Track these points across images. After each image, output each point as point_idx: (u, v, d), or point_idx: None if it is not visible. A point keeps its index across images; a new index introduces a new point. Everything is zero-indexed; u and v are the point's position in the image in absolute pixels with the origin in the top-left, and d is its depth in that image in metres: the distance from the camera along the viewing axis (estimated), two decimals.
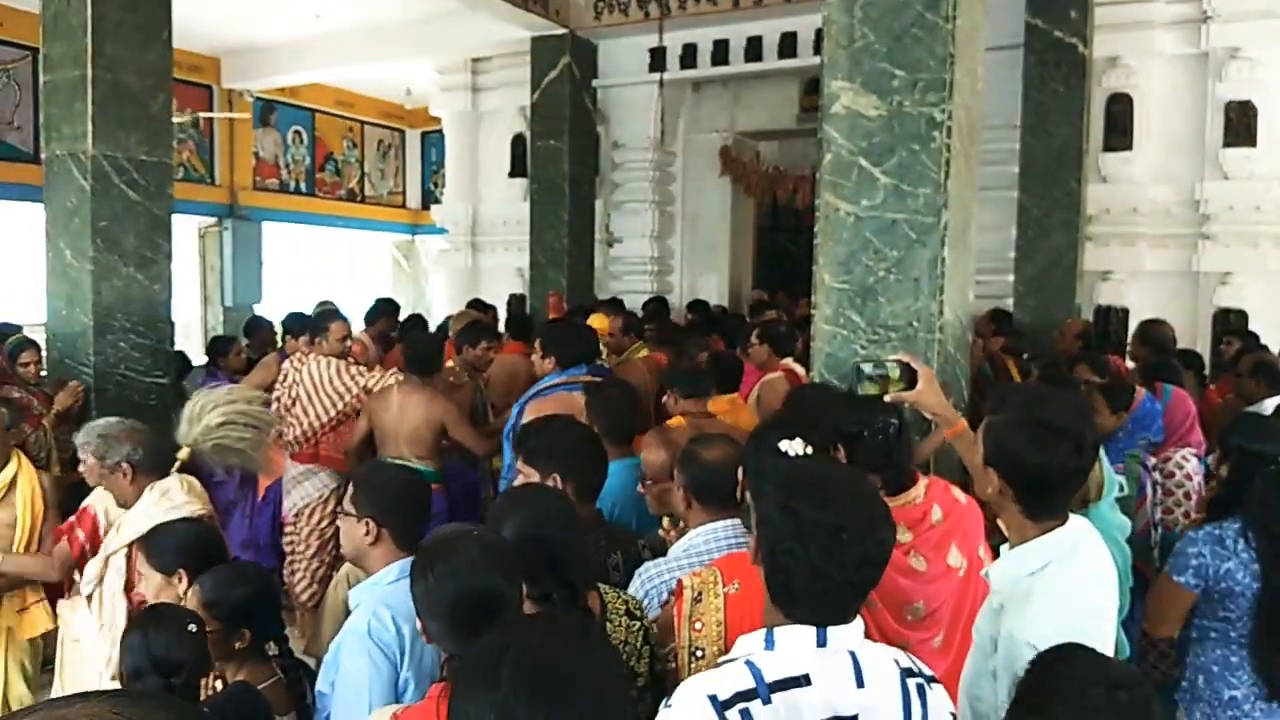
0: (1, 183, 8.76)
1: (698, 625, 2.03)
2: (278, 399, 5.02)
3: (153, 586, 2.66)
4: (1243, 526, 2.71)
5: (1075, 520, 1.99)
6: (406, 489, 2.49)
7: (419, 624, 1.87)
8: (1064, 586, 1.89)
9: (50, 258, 4.96)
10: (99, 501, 3.52)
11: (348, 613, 2.66)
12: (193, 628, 2.23)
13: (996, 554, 2.09)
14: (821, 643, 1.49)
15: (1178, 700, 2.93)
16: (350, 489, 2.44)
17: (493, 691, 1.20)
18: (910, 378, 2.54)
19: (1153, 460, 4.01)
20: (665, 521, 2.78)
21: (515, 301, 9.20)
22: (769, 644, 1.50)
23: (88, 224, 4.77)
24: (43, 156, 5.04)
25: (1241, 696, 2.72)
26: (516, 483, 2.71)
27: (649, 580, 2.39)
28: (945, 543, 2.34)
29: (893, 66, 3.18)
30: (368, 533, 2.37)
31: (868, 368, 2.57)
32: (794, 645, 1.49)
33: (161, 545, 2.70)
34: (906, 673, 1.54)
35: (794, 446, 2.28)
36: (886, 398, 2.52)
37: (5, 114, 8.94)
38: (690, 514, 2.50)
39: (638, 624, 2.16)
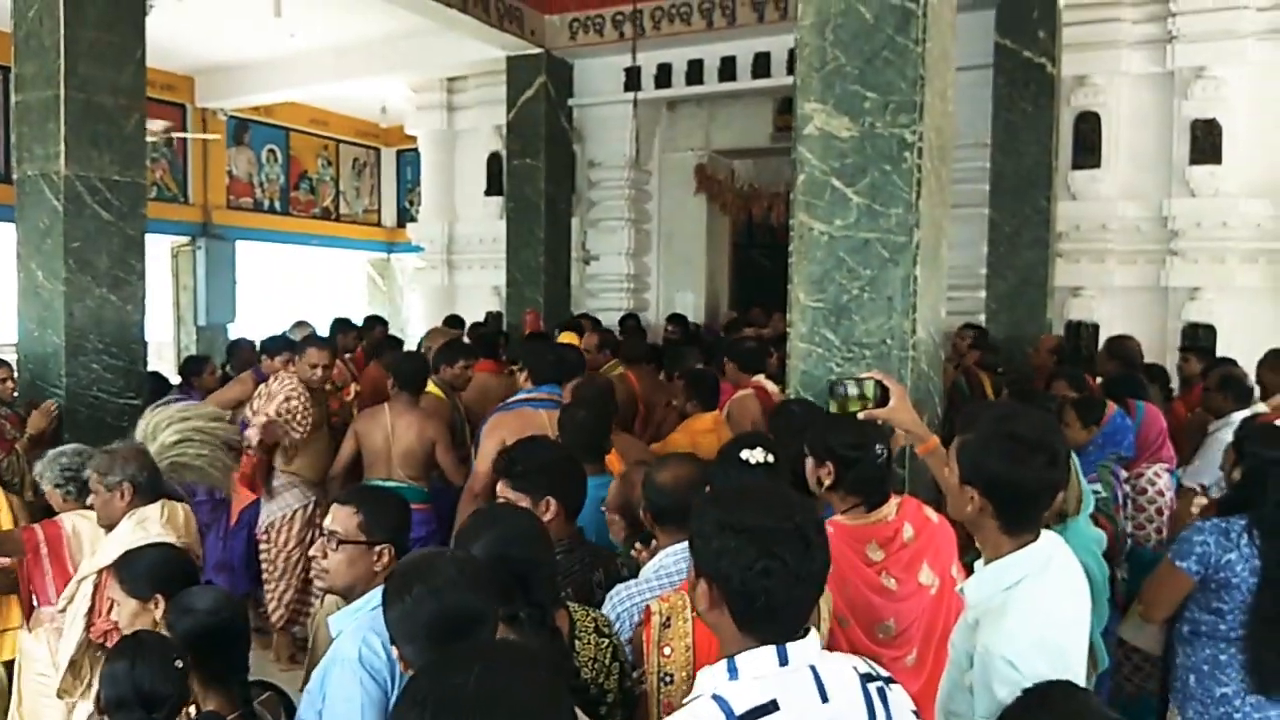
0: None
1: (666, 650, 2.03)
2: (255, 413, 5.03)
3: (126, 613, 2.62)
4: (1249, 524, 2.82)
5: (1047, 535, 2.02)
6: (408, 513, 2.48)
7: (396, 651, 1.82)
8: (1038, 601, 1.90)
9: (21, 279, 4.92)
10: (69, 516, 3.48)
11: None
12: (179, 662, 2.19)
13: (970, 571, 2.11)
14: (784, 661, 1.48)
15: (1170, 699, 3.02)
16: (358, 518, 2.32)
17: None
18: (883, 395, 2.57)
19: (1124, 474, 4.07)
20: (638, 542, 2.78)
21: (492, 319, 9.20)
22: (732, 674, 1.49)
23: (60, 245, 4.73)
24: (14, 177, 5.00)
25: (1232, 693, 2.81)
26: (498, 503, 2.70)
27: (620, 603, 2.39)
28: (916, 561, 2.36)
29: (864, 89, 3.23)
30: (379, 559, 2.31)
31: (842, 387, 2.59)
32: (757, 670, 1.48)
33: (134, 571, 2.65)
34: (866, 678, 1.55)
35: (755, 455, 2.29)
36: (860, 415, 2.54)
37: None
38: (659, 535, 2.51)
39: (606, 641, 2.15)
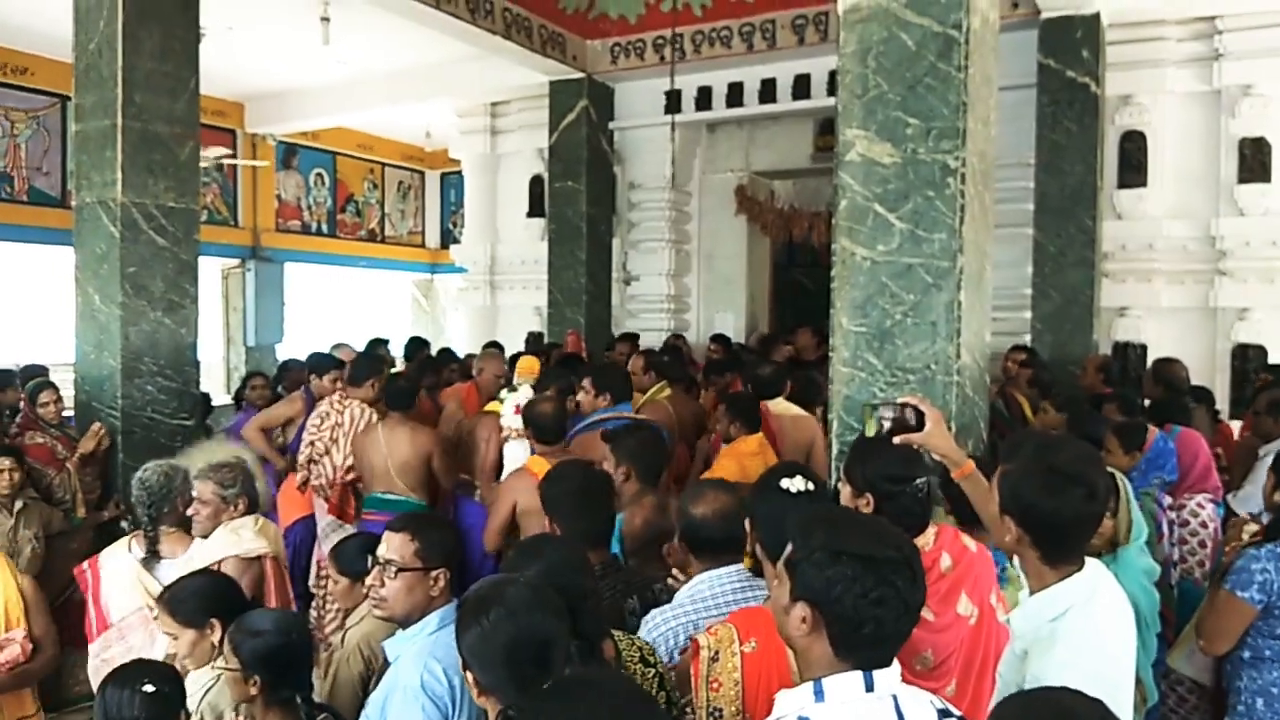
0: (31, 227, 8.93)
1: (715, 685, 2.03)
2: (311, 443, 5.12)
3: (185, 643, 2.66)
4: None
5: (1092, 564, 2.01)
6: (460, 537, 2.53)
7: (469, 677, 1.82)
8: (1087, 631, 1.90)
9: (79, 302, 5.05)
10: (112, 555, 3.53)
11: (366, 667, 2.68)
12: (149, 688, 2.23)
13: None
14: (869, 687, 1.51)
15: None
16: (414, 545, 2.33)
17: None
18: (919, 419, 2.55)
19: (1168, 500, 4.01)
20: (674, 569, 2.79)
21: (533, 340, 9.27)
22: (819, 697, 1.51)
23: (116, 270, 4.85)
24: (72, 203, 5.14)
25: None
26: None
27: (655, 628, 2.40)
28: (954, 592, 2.34)
29: (906, 115, 3.24)
30: (435, 584, 2.34)
31: (876, 411, 2.58)
32: (844, 694, 1.51)
33: (184, 601, 2.70)
34: (943, 714, 1.56)
35: (795, 484, 2.30)
36: (896, 439, 2.53)
37: (35, 160, 9.14)
38: (692, 563, 2.53)
39: (652, 671, 2.16)
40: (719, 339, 8.18)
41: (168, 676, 2.33)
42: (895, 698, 1.52)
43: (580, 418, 4.71)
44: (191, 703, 2.44)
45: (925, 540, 2.40)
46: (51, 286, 8.59)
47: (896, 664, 1.55)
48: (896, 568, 1.51)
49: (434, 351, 8.14)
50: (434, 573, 2.34)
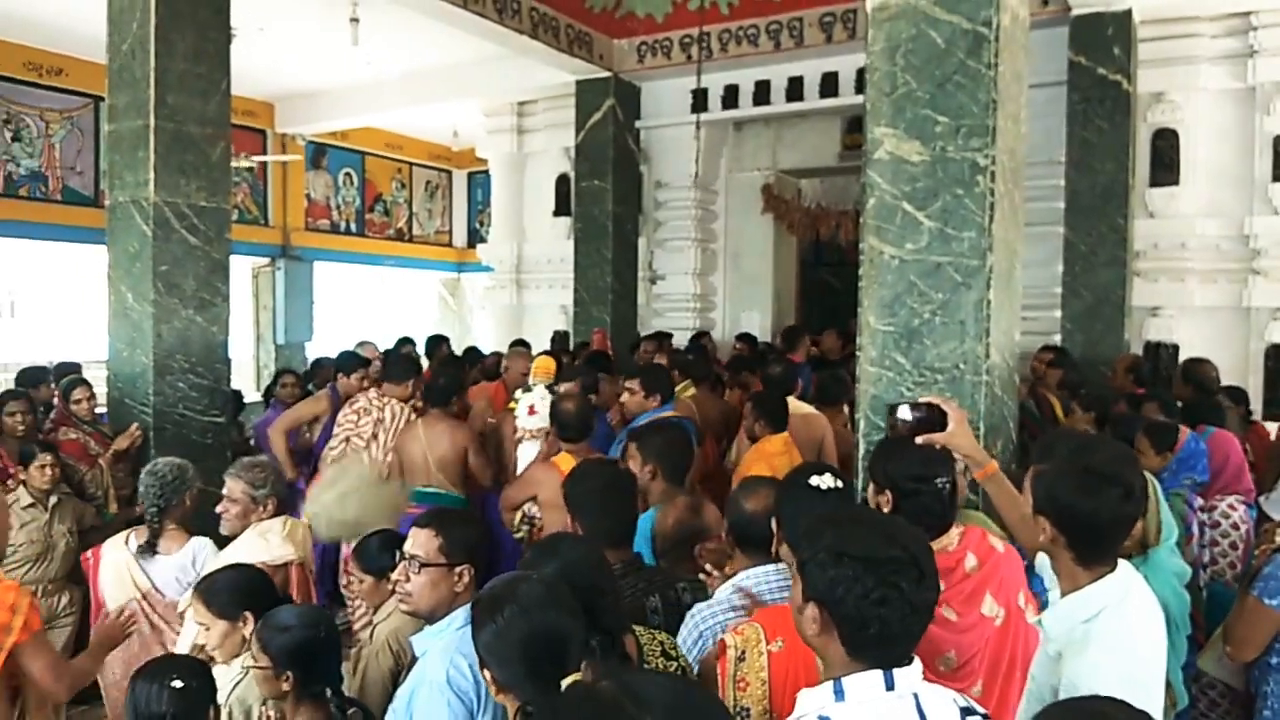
0: (65, 226, 9.04)
1: (742, 685, 2.03)
2: (346, 437, 5.16)
3: (216, 634, 2.69)
4: None
5: (1124, 566, 2.00)
6: (484, 533, 2.55)
7: (486, 675, 1.84)
8: (1120, 633, 1.89)
9: (112, 301, 5.11)
10: (114, 544, 3.58)
11: (395, 662, 2.70)
12: (177, 683, 2.25)
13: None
14: (890, 686, 1.51)
15: None
16: (438, 540, 2.34)
17: None
18: (941, 419, 2.53)
19: (1199, 501, 3.97)
20: (708, 566, 2.79)
21: (558, 338, 9.29)
22: (839, 696, 1.52)
23: (149, 268, 4.91)
24: (105, 203, 5.20)
25: None
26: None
27: (702, 622, 2.40)
28: (979, 593, 2.32)
29: (935, 113, 3.23)
30: (459, 579, 2.35)
31: (900, 410, 2.56)
32: (864, 694, 1.51)
33: (218, 593, 2.73)
34: (966, 711, 1.56)
35: (824, 481, 2.30)
36: (919, 439, 2.52)
37: (69, 159, 9.25)
38: (734, 559, 2.52)
39: (675, 665, 2.17)
40: (745, 338, 8.16)
41: (197, 671, 2.35)
42: (916, 696, 1.52)
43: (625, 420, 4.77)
44: (220, 697, 2.46)
45: (949, 540, 2.38)
46: (85, 285, 8.72)
47: (918, 662, 1.55)
48: (901, 568, 1.50)
49: (457, 350, 8.18)
50: (458, 569, 2.35)
